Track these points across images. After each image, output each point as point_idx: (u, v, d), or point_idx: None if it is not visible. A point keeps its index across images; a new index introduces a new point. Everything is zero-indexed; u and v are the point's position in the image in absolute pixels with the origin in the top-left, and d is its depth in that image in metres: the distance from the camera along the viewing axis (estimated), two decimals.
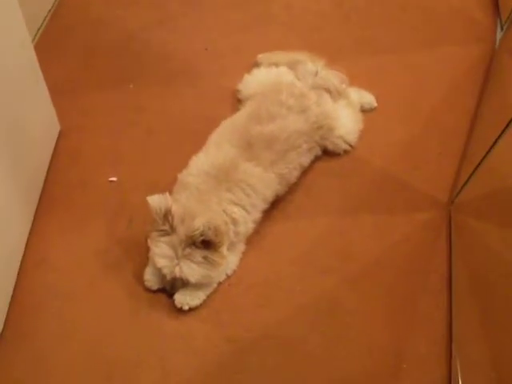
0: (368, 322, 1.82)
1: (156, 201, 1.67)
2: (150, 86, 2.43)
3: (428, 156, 2.26)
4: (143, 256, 1.88)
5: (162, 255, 1.70)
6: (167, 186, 1.93)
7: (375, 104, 2.36)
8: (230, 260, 1.83)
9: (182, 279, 1.73)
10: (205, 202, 1.75)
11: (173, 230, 1.69)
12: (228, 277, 1.87)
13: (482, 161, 1.93)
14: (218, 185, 1.80)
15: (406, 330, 1.82)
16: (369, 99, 2.36)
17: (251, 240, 1.95)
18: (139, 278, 1.85)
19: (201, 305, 1.81)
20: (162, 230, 1.71)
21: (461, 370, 1.71)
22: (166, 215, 1.67)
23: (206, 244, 1.68)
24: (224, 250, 1.73)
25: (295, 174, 2.01)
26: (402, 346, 1.79)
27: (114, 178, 2.12)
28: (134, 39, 2.61)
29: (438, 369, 1.74)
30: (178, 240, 1.68)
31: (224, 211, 1.77)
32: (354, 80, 2.35)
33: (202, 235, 1.65)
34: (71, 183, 2.10)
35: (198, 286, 1.76)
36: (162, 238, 1.70)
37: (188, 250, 1.68)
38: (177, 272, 1.70)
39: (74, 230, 1.98)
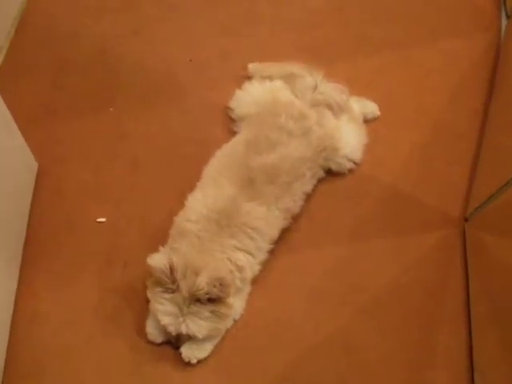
0: (386, 357, 1.88)
1: (158, 261, 1.74)
2: (132, 109, 2.43)
3: (436, 166, 2.31)
4: (143, 303, 1.92)
5: (166, 313, 1.76)
6: (161, 223, 2.00)
7: (378, 113, 2.41)
8: (236, 305, 1.87)
9: (188, 335, 1.82)
10: (207, 251, 1.80)
11: (176, 286, 1.74)
12: (235, 322, 1.93)
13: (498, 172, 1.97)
14: (220, 231, 1.83)
15: (425, 361, 1.89)
16: (371, 108, 2.40)
17: (256, 279, 1.98)
18: (141, 329, 1.90)
19: (209, 354, 1.87)
20: (164, 286, 1.78)
21: None
22: (172, 273, 1.74)
23: (212, 299, 1.74)
24: (231, 300, 1.80)
25: (300, 204, 2.06)
26: (423, 379, 1.87)
27: (102, 219, 2.15)
28: (109, 52, 2.59)
29: None
30: (181, 297, 1.73)
31: (228, 259, 1.82)
32: (354, 83, 2.39)
33: (207, 294, 1.71)
34: (57, 226, 2.13)
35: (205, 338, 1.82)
36: (165, 295, 1.77)
37: (193, 308, 1.73)
38: (183, 329, 1.75)
39: (65, 278, 2.02)
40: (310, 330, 1.94)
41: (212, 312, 1.75)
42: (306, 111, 2.13)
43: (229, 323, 1.90)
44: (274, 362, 1.88)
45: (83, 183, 2.23)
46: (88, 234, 2.12)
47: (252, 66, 2.48)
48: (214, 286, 1.69)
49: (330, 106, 2.18)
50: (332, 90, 2.21)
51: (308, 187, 2.08)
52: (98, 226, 2.14)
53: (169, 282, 1.72)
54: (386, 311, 1.97)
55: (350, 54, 2.63)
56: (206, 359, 1.87)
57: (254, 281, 1.99)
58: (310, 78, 2.22)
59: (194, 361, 1.84)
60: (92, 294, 1.99)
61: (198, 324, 1.74)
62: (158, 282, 1.75)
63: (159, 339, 1.88)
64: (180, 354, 1.86)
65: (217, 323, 1.78)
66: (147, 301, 1.86)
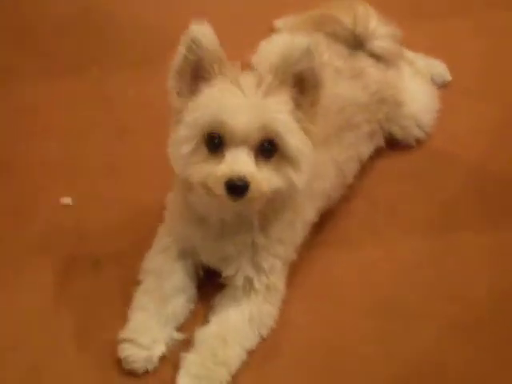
0: None
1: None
2: (121, 69, 2.09)
3: None
4: (120, 317, 1.37)
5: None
6: (152, 203, 1.61)
7: (449, 77, 2.02)
8: (263, 310, 1.38)
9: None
10: None
11: None
12: (263, 340, 1.37)
13: None
14: None
15: None
16: (440, 69, 2.02)
17: (293, 283, 1.47)
18: (114, 354, 1.33)
19: None
20: None
21: None
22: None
23: None
24: None
25: (353, 167, 1.65)
26: None
27: (67, 200, 1.68)
28: (93, 11, 2.30)
29: None
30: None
31: None
32: (413, 49, 2.02)
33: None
34: (2, 211, 1.67)
35: (218, 356, 1.29)
36: None
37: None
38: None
39: (3, 280, 1.52)
40: (381, 357, 1.39)
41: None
42: (357, 52, 1.71)
43: (254, 337, 1.37)
44: None
45: (47, 157, 1.82)
46: (44, 220, 1.64)
47: (279, 21, 2.14)
48: None
49: (380, 56, 1.74)
50: (383, 37, 1.74)
51: (364, 149, 1.68)
52: (61, 209, 1.67)
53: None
54: (496, 330, 1.47)
55: (404, 17, 2.09)
56: None
57: (292, 283, 1.46)
58: (346, 26, 1.73)
59: None
60: (45, 305, 1.47)
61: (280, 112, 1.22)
62: None
63: (139, 363, 1.31)
64: None
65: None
66: (123, 316, 1.37)
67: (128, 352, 1.29)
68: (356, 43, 1.70)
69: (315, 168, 1.31)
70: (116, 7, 2.33)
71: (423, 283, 1.54)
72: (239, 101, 1.20)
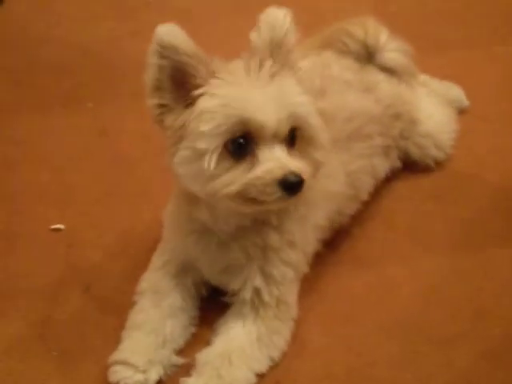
0: None
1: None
2: (117, 101, 2.04)
3: None
4: (111, 343, 1.23)
5: None
6: (145, 235, 1.53)
7: (466, 101, 1.92)
8: (273, 328, 1.23)
9: None
10: None
11: None
12: (275, 366, 1.21)
13: None
14: None
15: None
16: (457, 93, 1.92)
17: (309, 301, 1.34)
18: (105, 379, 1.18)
19: None
20: None
21: None
22: None
23: None
24: None
25: (366, 181, 1.53)
26: None
27: (59, 225, 1.57)
28: (93, 53, 2.26)
29: None
30: None
31: None
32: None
33: None
34: None
35: (223, 377, 1.14)
36: None
37: None
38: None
39: None
40: (408, 381, 1.23)
41: None
42: (369, 66, 1.62)
43: (264, 361, 1.21)
44: None
45: (39, 186, 1.74)
46: (34, 245, 1.54)
47: None
48: None
49: (391, 69, 1.65)
50: (393, 50, 1.66)
51: (378, 163, 1.56)
52: (51, 235, 1.56)
53: None
54: None
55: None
56: None
57: (306, 306, 1.33)
58: (357, 38, 1.64)
59: None
60: (29, 331, 1.33)
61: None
62: None
63: None
64: None
65: None
66: (114, 342, 1.23)
67: (120, 375, 1.13)
68: (367, 55, 1.62)
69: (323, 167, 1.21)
70: (115, 48, 2.30)
71: (450, 302, 1.40)
72: (258, 94, 1.08)
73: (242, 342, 1.18)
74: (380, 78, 1.60)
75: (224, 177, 1.07)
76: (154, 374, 1.14)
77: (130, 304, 1.28)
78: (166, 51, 1.06)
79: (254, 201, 1.07)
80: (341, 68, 1.55)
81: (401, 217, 1.61)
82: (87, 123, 1.95)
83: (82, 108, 2.01)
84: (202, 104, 1.07)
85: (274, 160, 1.07)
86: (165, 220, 1.33)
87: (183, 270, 1.28)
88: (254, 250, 1.19)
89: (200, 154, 1.06)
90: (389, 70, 1.64)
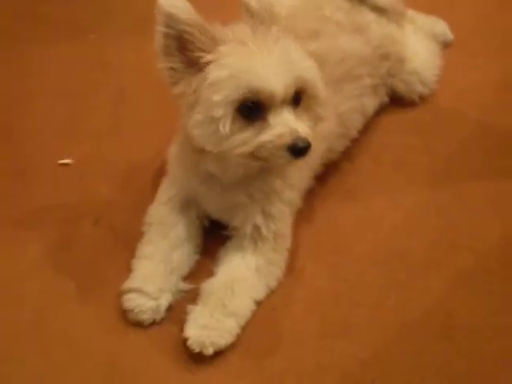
0: (503, 344, 1.29)
1: None
2: (119, 35, 2.03)
3: None
4: (121, 272, 1.32)
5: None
6: (147, 167, 1.58)
7: (450, 35, 1.96)
8: (270, 259, 1.33)
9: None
10: None
11: None
12: (271, 292, 1.32)
13: None
14: None
15: None
16: (441, 27, 1.95)
17: (300, 233, 1.43)
18: (119, 306, 1.28)
19: (231, 345, 1.23)
20: None
21: None
22: None
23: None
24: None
25: (356, 119, 1.59)
26: None
27: (67, 160, 1.62)
28: None
29: None
30: None
31: None
32: (415, 6, 1.94)
33: None
34: (3, 171, 1.61)
35: (227, 306, 1.24)
36: None
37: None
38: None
39: (7, 239, 1.45)
40: (389, 305, 1.34)
41: None
42: (359, 6, 1.65)
43: (261, 289, 1.31)
44: (334, 358, 1.24)
45: (47, 118, 1.76)
46: (45, 180, 1.59)
47: None
48: None
49: (381, 9, 1.68)
50: None
51: (367, 102, 1.62)
52: (59, 169, 1.61)
53: None
54: (502, 279, 1.41)
55: None
56: (225, 353, 1.22)
57: (298, 235, 1.42)
58: None
59: (210, 351, 1.19)
60: (44, 262, 1.40)
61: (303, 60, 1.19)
62: None
63: (147, 314, 1.25)
64: (184, 341, 1.20)
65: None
66: (126, 271, 1.32)
67: (135, 302, 1.24)
68: None
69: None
70: None
71: (429, 233, 1.48)
72: (265, 62, 1.12)
73: (243, 273, 1.28)
74: (370, 18, 1.64)
75: (237, 137, 1.13)
76: (165, 300, 1.25)
77: (139, 234, 1.36)
78: (170, 21, 1.11)
79: (264, 159, 1.15)
80: (332, 9, 1.58)
81: (387, 151, 1.67)
82: (91, 55, 1.96)
83: (86, 39, 2.01)
84: (213, 74, 1.12)
85: (284, 124, 1.13)
86: (170, 159, 1.39)
87: (187, 205, 1.36)
88: (259, 193, 1.28)
89: (214, 119, 1.12)
90: (379, 10, 1.66)
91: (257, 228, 1.29)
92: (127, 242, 1.39)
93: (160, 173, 1.47)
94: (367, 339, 1.27)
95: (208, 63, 1.13)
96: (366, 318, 1.30)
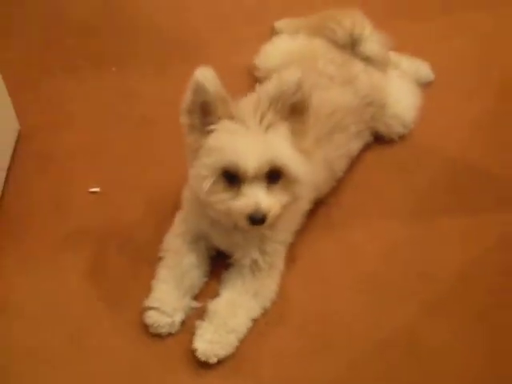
0: (460, 363, 1.49)
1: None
2: (139, 67, 2.18)
3: (508, 136, 2.01)
4: (144, 290, 1.55)
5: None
6: (170, 190, 1.73)
7: (432, 76, 2.12)
8: (265, 284, 1.55)
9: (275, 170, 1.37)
10: None
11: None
12: (265, 311, 1.55)
13: None
14: None
15: (508, 364, 1.51)
16: (424, 70, 2.11)
17: (289, 265, 1.64)
18: (141, 321, 1.51)
19: (231, 355, 1.47)
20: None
21: None
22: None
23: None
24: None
25: (343, 163, 1.76)
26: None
27: (96, 189, 1.82)
28: (112, 9, 2.40)
29: None
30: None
31: None
32: (401, 49, 2.11)
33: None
34: (39, 199, 1.79)
35: (228, 324, 1.47)
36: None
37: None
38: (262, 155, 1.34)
39: (47, 262, 1.66)
40: (364, 328, 1.55)
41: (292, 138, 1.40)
42: (350, 58, 1.84)
43: (255, 308, 1.54)
44: (317, 371, 1.48)
45: (76, 148, 1.93)
46: (77, 207, 1.78)
47: (279, 23, 2.22)
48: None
49: (369, 59, 1.87)
50: (373, 42, 1.88)
51: (353, 146, 1.79)
52: (89, 197, 1.80)
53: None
54: (461, 305, 1.60)
55: (390, 19, 2.28)
56: (226, 362, 1.46)
57: (288, 265, 1.63)
58: (344, 29, 1.86)
59: (214, 360, 1.43)
60: (78, 282, 1.62)
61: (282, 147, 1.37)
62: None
63: (164, 328, 1.49)
64: (193, 351, 1.44)
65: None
66: (148, 289, 1.55)
67: (154, 319, 1.48)
68: (351, 43, 1.84)
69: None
70: (135, 7, 2.41)
71: (402, 262, 1.67)
72: (247, 142, 1.33)
73: (242, 296, 1.51)
74: (359, 68, 1.80)
75: (217, 196, 1.38)
76: (179, 317, 1.49)
77: (158, 258, 1.59)
78: (199, 89, 1.33)
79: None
80: (326, 61, 1.77)
81: (368, 185, 1.83)
82: (113, 86, 2.10)
83: (108, 72, 2.15)
84: (210, 141, 1.36)
85: (250, 197, 1.34)
86: (183, 200, 1.61)
87: (197, 238, 1.59)
88: (252, 238, 1.51)
89: (201, 178, 1.37)
90: (367, 59, 1.85)
91: (254, 261, 1.52)
92: (150, 261, 1.60)
93: (179, 198, 1.64)
94: (346, 354, 1.49)
95: (212, 130, 1.37)
96: (345, 338, 1.52)
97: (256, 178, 1.35)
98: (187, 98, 1.36)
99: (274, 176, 1.37)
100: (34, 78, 2.13)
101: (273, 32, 2.21)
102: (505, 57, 2.25)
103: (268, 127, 1.35)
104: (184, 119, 1.39)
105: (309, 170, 1.41)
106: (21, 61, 2.18)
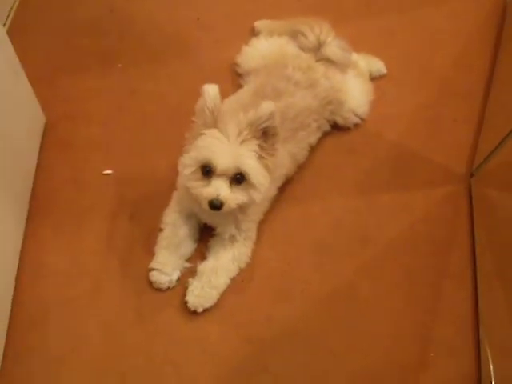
0: (389, 310, 1.82)
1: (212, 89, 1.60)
2: (140, 65, 2.36)
3: (443, 124, 2.25)
4: (149, 253, 1.85)
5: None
6: (168, 173, 1.94)
7: (384, 71, 2.36)
8: (241, 252, 1.84)
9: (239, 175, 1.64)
10: None
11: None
12: (241, 270, 1.86)
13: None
14: None
15: (429, 315, 1.82)
16: (378, 66, 2.35)
17: (261, 229, 1.93)
18: (146, 277, 1.83)
19: (214, 305, 1.80)
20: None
21: (491, 354, 1.71)
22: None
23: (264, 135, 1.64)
24: (279, 150, 1.70)
25: (305, 153, 2.00)
26: (427, 332, 1.79)
27: (109, 171, 2.07)
28: (117, 12, 2.53)
29: (467, 354, 1.75)
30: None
31: None
32: (360, 45, 2.31)
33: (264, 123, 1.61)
34: (63, 180, 2.05)
35: (212, 282, 1.78)
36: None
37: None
38: (235, 162, 1.60)
39: (71, 230, 1.94)
40: (316, 282, 1.87)
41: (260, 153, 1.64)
42: (314, 64, 2.06)
43: (234, 269, 1.85)
44: (279, 315, 1.81)
45: (91, 137, 2.15)
46: (94, 185, 2.04)
47: (258, 23, 2.43)
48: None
49: (333, 62, 2.09)
50: (335, 47, 2.10)
51: (313, 138, 2.03)
52: (104, 177, 2.06)
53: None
54: (393, 265, 1.91)
55: (354, 16, 2.55)
56: (211, 310, 1.79)
57: (260, 231, 1.92)
58: (314, 34, 2.10)
59: (200, 309, 1.77)
60: (97, 244, 1.92)
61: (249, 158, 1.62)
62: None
63: (165, 284, 1.81)
64: (185, 302, 1.79)
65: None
66: (151, 253, 1.84)
67: (156, 277, 1.81)
68: (317, 46, 2.06)
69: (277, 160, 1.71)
70: (135, 8, 2.55)
71: (347, 230, 1.95)
72: (223, 148, 1.58)
73: (224, 260, 1.82)
74: (320, 73, 2.00)
75: (193, 182, 1.64)
76: (175, 275, 1.82)
77: (159, 229, 1.86)
78: (207, 97, 1.58)
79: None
80: (294, 67, 1.97)
81: (325, 166, 2.08)
82: (119, 82, 2.28)
83: (114, 69, 2.32)
84: (199, 141, 1.62)
85: (214, 188, 1.60)
86: (178, 186, 1.88)
87: (190, 214, 1.87)
88: (229, 219, 1.80)
89: (185, 165, 1.64)
90: (329, 61, 2.07)
91: (232, 235, 1.83)
92: (153, 231, 1.87)
93: (175, 179, 1.86)
94: (301, 302, 1.81)
95: (203, 134, 1.63)
96: (301, 289, 1.82)
97: (224, 176, 1.60)
98: (199, 101, 1.60)
99: (238, 179, 1.62)
100: (54, 76, 2.30)
101: (253, 31, 2.42)
102: (446, 54, 2.45)
103: (243, 141, 1.59)
104: (195, 118, 1.64)
105: (267, 182, 1.66)
106: (38, 60, 2.33)
